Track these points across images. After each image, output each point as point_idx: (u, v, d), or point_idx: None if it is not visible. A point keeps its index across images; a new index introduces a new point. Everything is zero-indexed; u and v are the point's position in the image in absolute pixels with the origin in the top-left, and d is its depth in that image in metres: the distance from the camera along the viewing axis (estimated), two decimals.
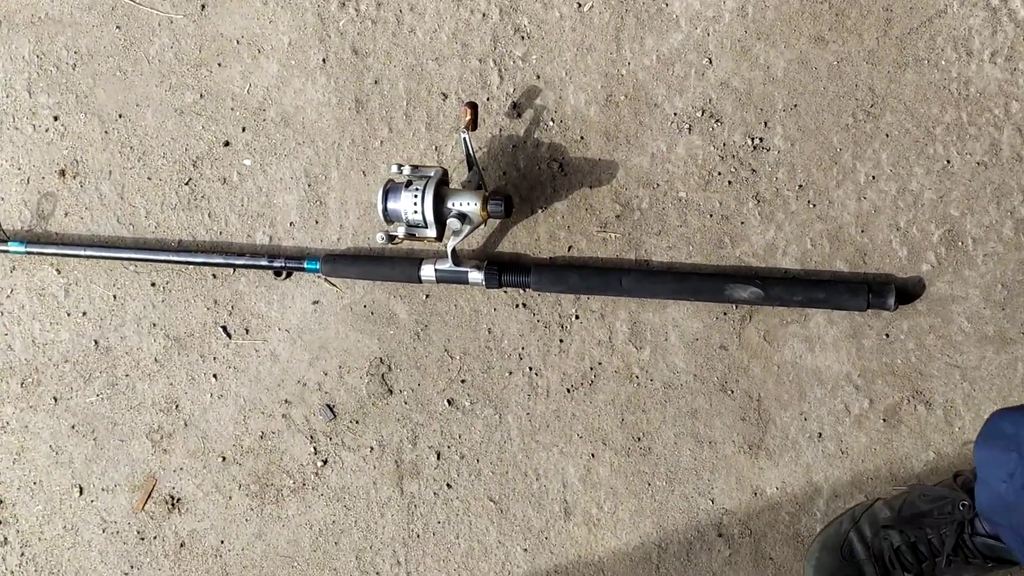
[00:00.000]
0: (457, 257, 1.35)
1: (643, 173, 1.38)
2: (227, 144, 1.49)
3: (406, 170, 1.30)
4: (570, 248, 1.40)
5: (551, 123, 1.40)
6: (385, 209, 1.29)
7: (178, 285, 1.51)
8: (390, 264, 1.41)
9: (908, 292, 1.32)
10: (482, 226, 1.34)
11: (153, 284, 1.52)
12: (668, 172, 1.37)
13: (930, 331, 1.32)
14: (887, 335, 1.33)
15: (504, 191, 1.39)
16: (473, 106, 1.32)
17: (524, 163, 1.41)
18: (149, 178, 1.51)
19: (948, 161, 1.31)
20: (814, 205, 1.34)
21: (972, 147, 1.30)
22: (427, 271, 1.37)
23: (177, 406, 1.52)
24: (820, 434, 1.35)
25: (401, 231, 1.30)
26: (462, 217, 1.30)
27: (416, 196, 1.27)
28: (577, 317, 1.41)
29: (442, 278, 1.37)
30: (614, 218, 1.39)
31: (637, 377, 1.39)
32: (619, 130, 1.38)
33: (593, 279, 1.36)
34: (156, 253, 1.48)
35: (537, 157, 1.41)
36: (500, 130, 1.42)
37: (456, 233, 1.31)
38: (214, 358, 1.51)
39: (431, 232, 1.30)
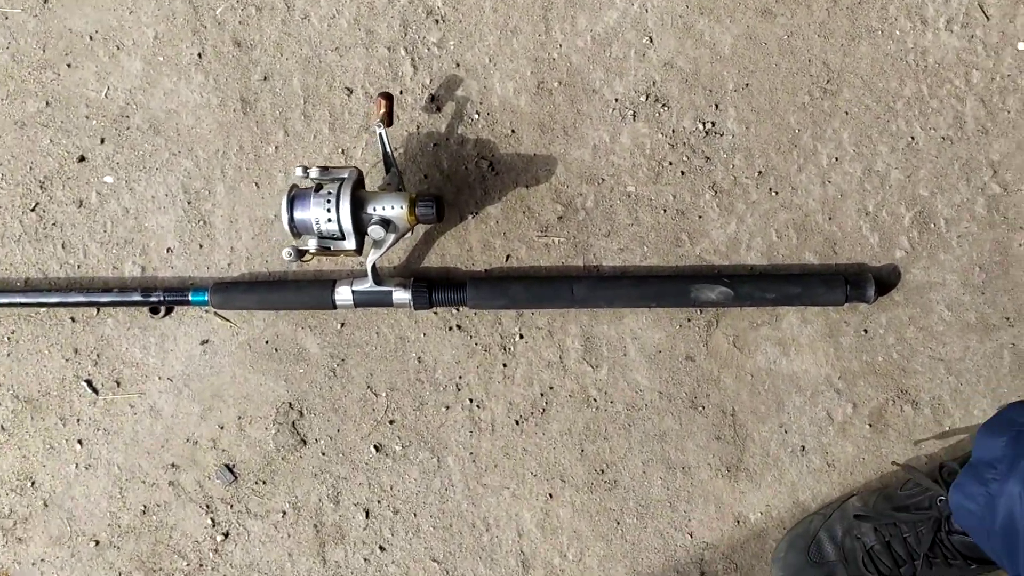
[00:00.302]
0: (378, 275, 1.15)
1: (585, 167, 1.22)
2: (82, 159, 1.25)
3: (313, 173, 1.10)
4: (508, 257, 1.22)
5: (476, 116, 1.23)
6: (292, 220, 1.09)
7: (27, 334, 1.25)
8: (296, 289, 1.19)
9: (884, 282, 1.20)
10: (408, 235, 1.14)
11: None
12: (613, 165, 1.22)
13: (910, 323, 1.21)
14: (865, 331, 1.21)
15: (431, 192, 1.19)
16: (388, 97, 1.15)
17: (448, 163, 1.22)
18: None
19: (912, 137, 1.21)
20: (776, 193, 1.21)
21: (935, 121, 1.21)
22: (343, 294, 1.16)
23: (33, 483, 1.25)
24: (803, 447, 1.21)
25: (312, 244, 1.09)
26: (386, 224, 1.10)
27: (330, 202, 1.07)
28: (521, 336, 1.22)
29: (361, 301, 1.17)
30: (556, 220, 1.22)
31: (595, 400, 1.22)
32: (555, 121, 1.22)
33: (539, 290, 1.18)
34: None
35: (463, 156, 1.23)
36: (418, 127, 1.23)
37: (378, 244, 1.11)
38: (78, 420, 1.25)
39: (349, 244, 1.10)
